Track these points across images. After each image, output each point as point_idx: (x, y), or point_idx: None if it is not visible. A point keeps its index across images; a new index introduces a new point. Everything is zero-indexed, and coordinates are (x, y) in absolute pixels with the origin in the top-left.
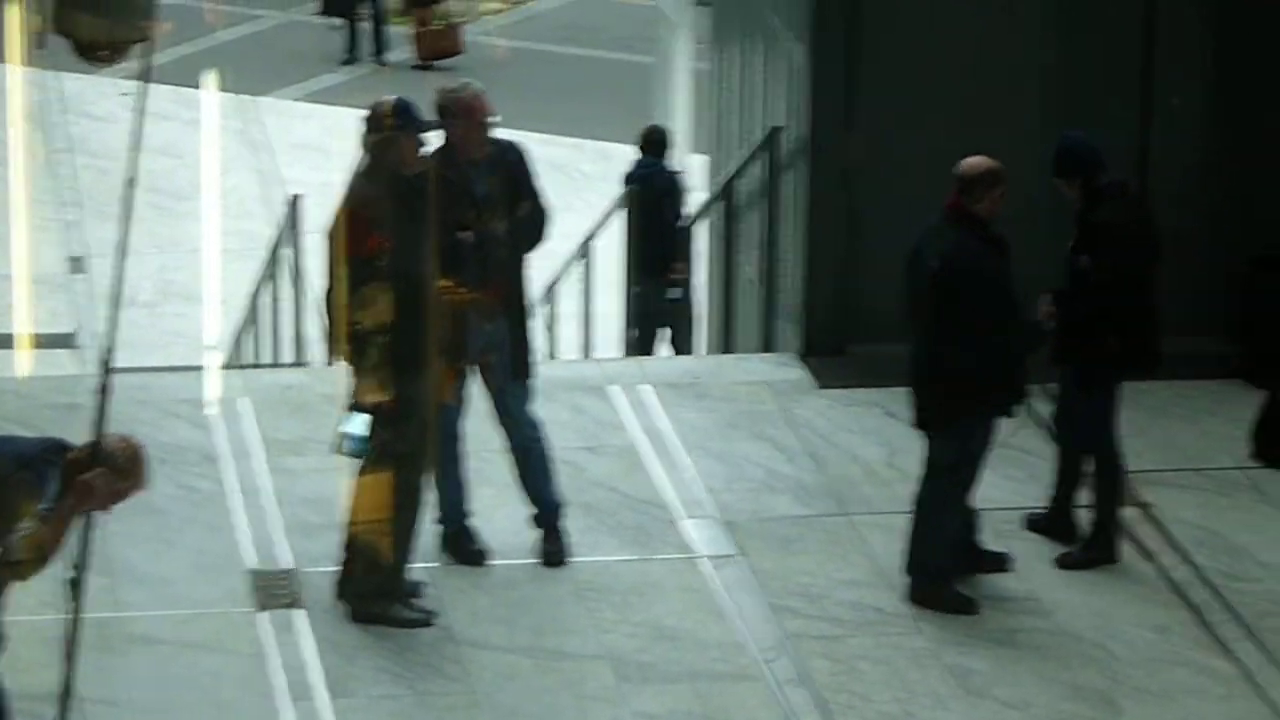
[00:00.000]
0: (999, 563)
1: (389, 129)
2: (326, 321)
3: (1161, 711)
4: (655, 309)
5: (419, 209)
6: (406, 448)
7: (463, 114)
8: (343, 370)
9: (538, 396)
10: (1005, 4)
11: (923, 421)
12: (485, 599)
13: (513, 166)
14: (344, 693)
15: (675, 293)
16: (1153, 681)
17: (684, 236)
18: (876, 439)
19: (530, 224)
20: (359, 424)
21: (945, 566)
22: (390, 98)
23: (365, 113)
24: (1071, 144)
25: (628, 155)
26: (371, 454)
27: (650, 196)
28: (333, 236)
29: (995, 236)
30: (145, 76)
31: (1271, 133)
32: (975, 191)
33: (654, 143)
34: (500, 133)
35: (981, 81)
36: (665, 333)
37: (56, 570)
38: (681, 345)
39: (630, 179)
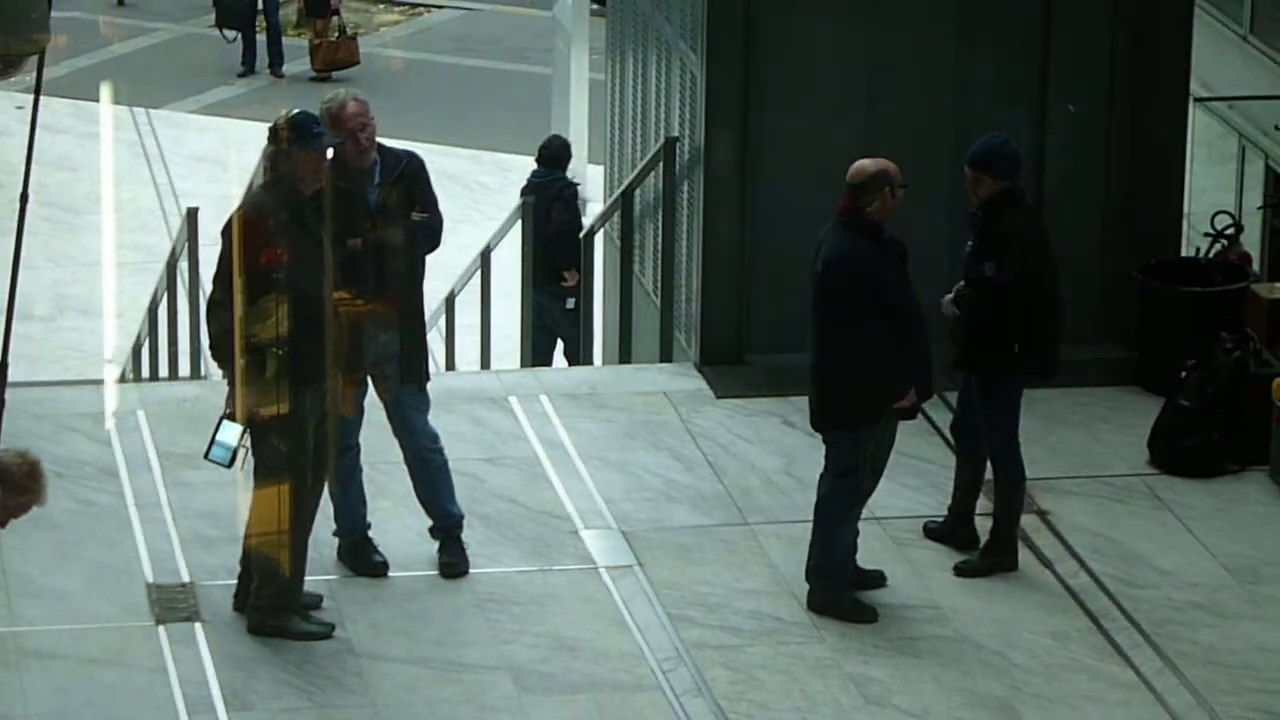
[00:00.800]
0: (877, 580)
1: (286, 143)
2: (211, 330)
3: (1061, 718)
4: (550, 319)
5: (314, 222)
6: (300, 460)
7: (332, 125)
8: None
9: (437, 408)
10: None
11: (815, 424)
12: (385, 611)
13: (408, 176)
14: (243, 706)
15: (570, 302)
16: (1052, 688)
17: (573, 246)
18: (775, 448)
19: (424, 230)
20: (231, 433)
21: (844, 573)
22: (291, 111)
23: (272, 126)
24: (1005, 144)
25: (525, 166)
26: (267, 466)
27: (543, 207)
28: (226, 243)
29: (887, 240)
30: (37, 89)
31: (1163, 141)
32: (865, 193)
33: (549, 154)
34: (396, 143)
35: (878, 89)
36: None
37: None
38: (573, 356)
39: (526, 189)
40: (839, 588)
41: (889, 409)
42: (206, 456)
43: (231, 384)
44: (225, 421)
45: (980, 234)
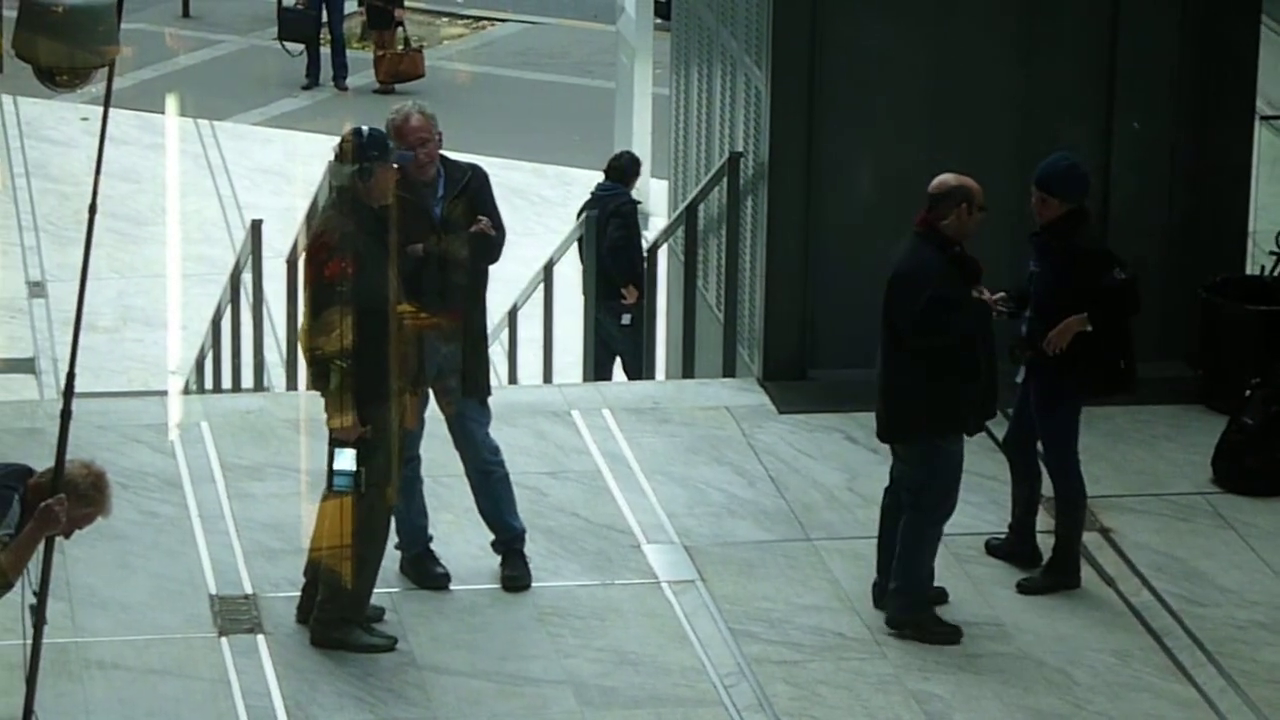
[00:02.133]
0: (939, 597)
1: (367, 160)
2: (304, 351)
3: None
4: (606, 334)
5: (383, 235)
6: (376, 475)
7: (395, 137)
8: (309, 398)
9: (499, 421)
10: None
11: (881, 435)
12: (447, 624)
13: (473, 190)
14: (306, 718)
15: (626, 318)
16: (1114, 707)
17: (627, 262)
18: (837, 464)
19: (486, 242)
20: (348, 459)
21: (925, 591)
22: (363, 128)
23: (339, 143)
24: (1074, 166)
25: (589, 180)
26: (371, 484)
27: (603, 221)
28: (294, 265)
29: (961, 256)
30: (106, 101)
31: (1228, 158)
32: (942, 207)
33: (617, 168)
34: (461, 156)
35: (943, 105)
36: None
37: (17, 595)
38: (632, 371)
39: (589, 203)
40: (921, 606)
41: (960, 424)
42: (331, 488)
43: (338, 408)
44: (338, 449)
45: (1057, 254)
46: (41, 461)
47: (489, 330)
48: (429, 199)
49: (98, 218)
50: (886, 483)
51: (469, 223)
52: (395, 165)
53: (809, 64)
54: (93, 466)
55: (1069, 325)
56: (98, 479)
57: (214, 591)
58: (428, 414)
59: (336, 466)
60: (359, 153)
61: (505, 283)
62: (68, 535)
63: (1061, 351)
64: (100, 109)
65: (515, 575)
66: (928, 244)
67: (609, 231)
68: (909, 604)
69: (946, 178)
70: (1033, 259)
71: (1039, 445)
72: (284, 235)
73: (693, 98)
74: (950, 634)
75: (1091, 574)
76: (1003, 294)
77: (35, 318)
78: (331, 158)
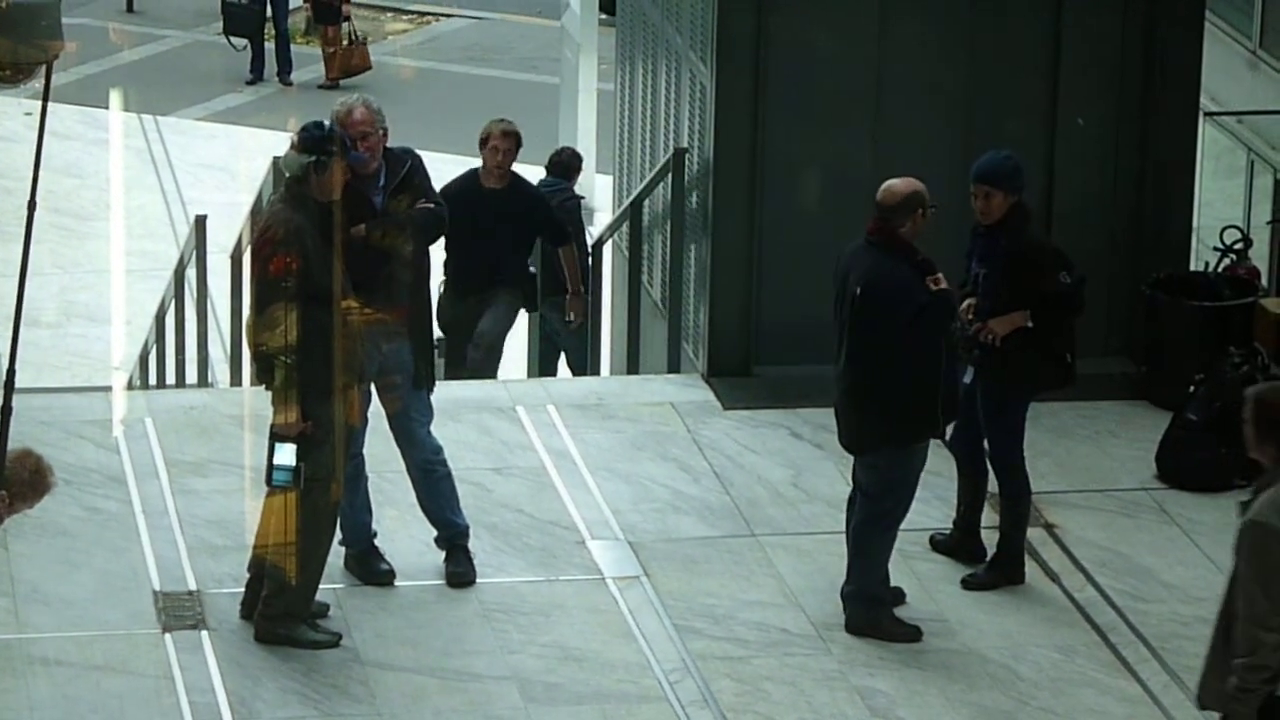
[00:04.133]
0: (896, 597)
1: (325, 154)
2: (249, 347)
3: None
4: (551, 330)
5: (328, 231)
6: (319, 471)
7: (341, 128)
8: (254, 394)
9: (444, 417)
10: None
11: (847, 445)
12: (391, 620)
13: (406, 173)
14: (249, 714)
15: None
16: (1058, 702)
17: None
18: (782, 460)
19: (431, 217)
20: (288, 454)
21: (882, 594)
22: (325, 121)
23: (293, 137)
24: (1010, 158)
25: (534, 175)
26: (315, 479)
27: None
28: (238, 260)
29: (922, 261)
30: (45, 96)
31: (1172, 154)
32: (897, 215)
33: (559, 164)
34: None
35: (888, 101)
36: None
37: None
38: (577, 368)
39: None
40: (878, 608)
41: (932, 427)
42: (270, 483)
43: (282, 403)
44: (278, 444)
45: (1007, 253)
46: None
47: (434, 325)
48: (370, 189)
49: (41, 213)
50: (831, 478)
51: (409, 208)
52: (350, 165)
53: (754, 60)
54: (26, 457)
55: (1012, 318)
56: (36, 465)
57: (158, 587)
58: (370, 410)
59: (276, 461)
60: (317, 145)
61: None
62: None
63: (999, 342)
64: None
65: (459, 571)
66: (890, 254)
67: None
68: (866, 606)
69: (895, 185)
70: (974, 257)
71: (985, 443)
72: (228, 231)
73: (637, 93)
74: (911, 633)
75: (1036, 570)
76: (970, 301)
77: None
78: (286, 149)
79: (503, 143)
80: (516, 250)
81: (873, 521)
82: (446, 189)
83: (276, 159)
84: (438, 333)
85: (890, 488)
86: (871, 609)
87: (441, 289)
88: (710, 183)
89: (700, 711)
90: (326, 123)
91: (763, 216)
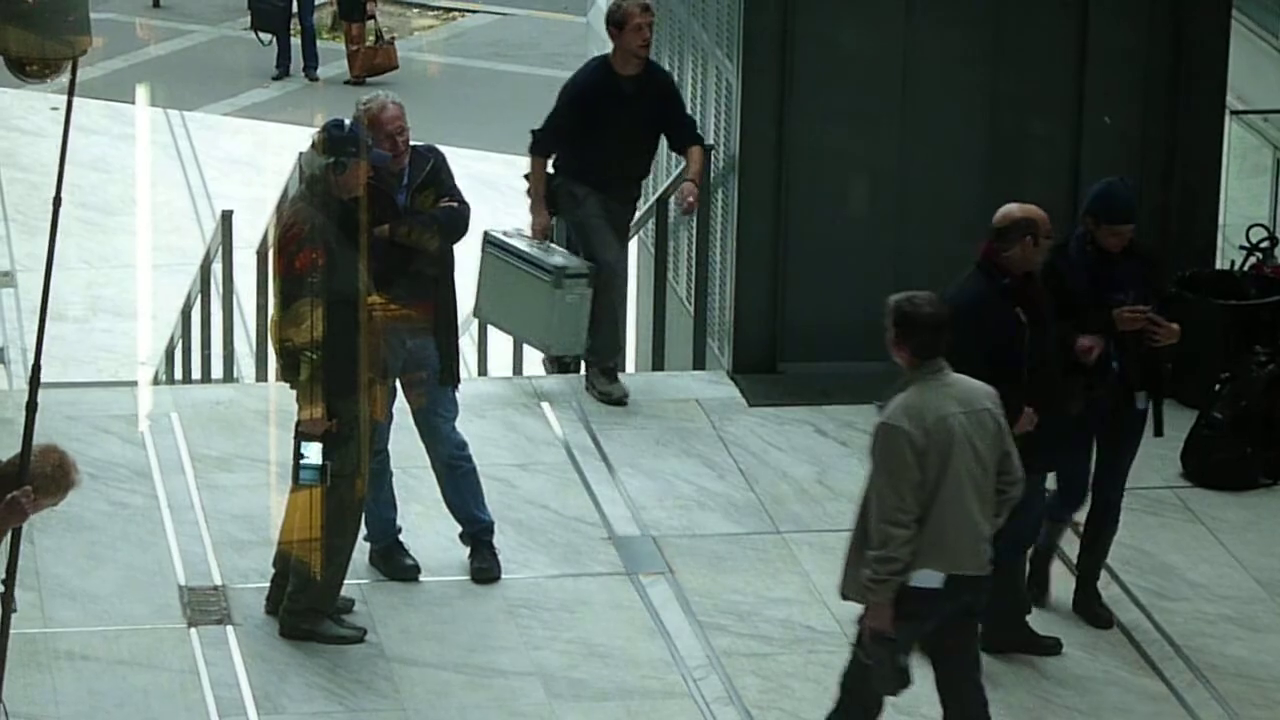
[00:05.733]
0: (1051, 647)
1: (345, 155)
2: (274, 343)
3: None
4: None
5: (352, 227)
6: (345, 467)
7: (370, 126)
8: (279, 390)
9: (468, 413)
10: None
11: None
12: (416, 616)
13: (430, 170)
14: (274, 709)
15: None
16: (1082, 700)
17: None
18: (807, 457)
19: (454, 216)
20: (314, 453)
21: (1014, 609)
22: (343, 120)
23: (314, 136)
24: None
25: None
26: (341, 475)
27: None
28: (264, 256)
29: (1017, 287)
30: (70, 91)
31: (1198, 153)
32: (1005, 239)
33: None
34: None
35: (914, 99)
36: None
37: None
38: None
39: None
40: (1008, 623)
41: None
42: (296, 482)
43: (307, 399)
44: (305, 443)
45: (1153, 273)
46: (11, 451)
47: (459, 321)
48: (395, 188)
49: (68, 208)
50: (856, 475)
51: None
52: (373, 164)
53: (780, 57)
54: (50, 451)
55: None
56: (60, 460)
57: (183, 582)
58: (396, 406)
59: (303, 461)
60: (336, 146)
61: (475, 274)
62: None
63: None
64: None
65: (484, 567)
66: (982, 274)
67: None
68: (1000, 625)
69: (1011, 209)
70: (1112, 289)
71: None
72: (254, 226)
73: None
74: (1051, 645)
75: (1060, 567)
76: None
77: (5, 307)
78: (307, 147)
79: (646, 19)
80: (650, 150)
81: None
82: (574, 81)
83: (302, 154)
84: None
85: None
86: (1000, 624)
87: (571, 196)
88: (735, 179)
89: (725, 708)
90: (347, 122)
91: (788, 213)
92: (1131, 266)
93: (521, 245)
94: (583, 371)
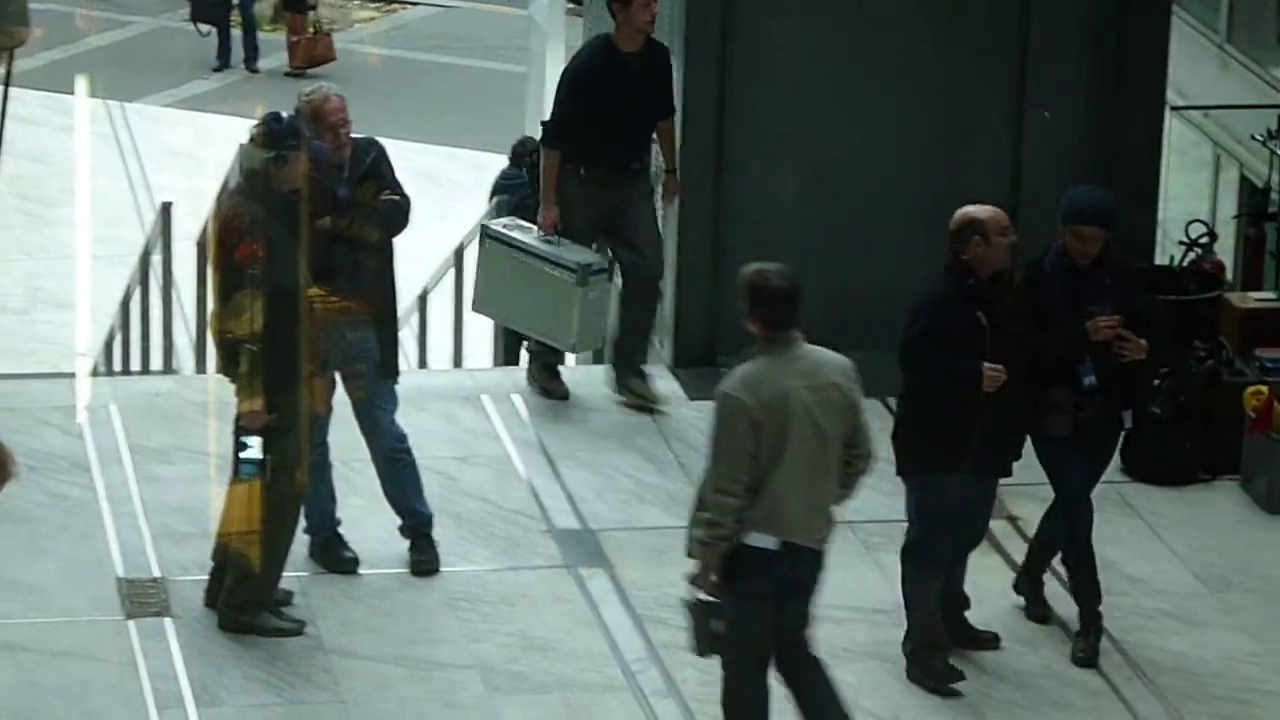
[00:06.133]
0: (989, 642)
1: (285, 149)
2: (214, 335)
3: None
4: None
5: (292, 219)
6: (285, 461)
7: (313, 117)
8: (218, 381)
9: (409, 405)
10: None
11: (897, 469)
12: (355, 608)
13: (370, 163)
14: (213, 701)
15: None
16: (1021, 695)
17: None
18: None
19: (395, 209)
20: (255, 448)
21: (932, 634)
22: (281, 113)
23: (252, 130)
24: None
25: (500, 164)
26: (281, 469)
27: (510, 208)
28: (203, 248)
29: (981, 290)
30: (8, 81)
31: (1138, 149)
32: (957, 243)
33: (523, 154)
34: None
35: (853, 95)
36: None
37: None
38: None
39: (496, 189)
40: (928, 649)
41: (953, 466)
42: (237, 475)
43: (247, 392)
44: (245, 439)
45: (1131, 284)
46: None
47: (399, 314)
48: (336, 180)
49: (7, 199)
50: None
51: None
52: (312, 156)
53: (719, 51)
54: None
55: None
56: None
57: (122, 574)
58: (335, 398)
59: (243, 455)
60: (277, 140)
61: (416, 266)
62: None
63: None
64: (11, 89)
65: (424, 560)
66: (945, 275)
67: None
68: (920, 643)
69: (963, 211)
70: (1087, 301)
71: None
72: (194, 218)
73: None
74: (953, 677)
75: (999, 562)
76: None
77: None
78: (246, 140)
79: None
80: (653, 128)
81: (910, 551)
82: (577, 64)
83: (242, 146)
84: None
85: (926, 522)
86: (920, 646)
87: (574, 180)
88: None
89: (663, 701)
90: (285, 115)
91: (728, 207)
92: (1108, 280)
93: (528, 239)
94: (524, 364)
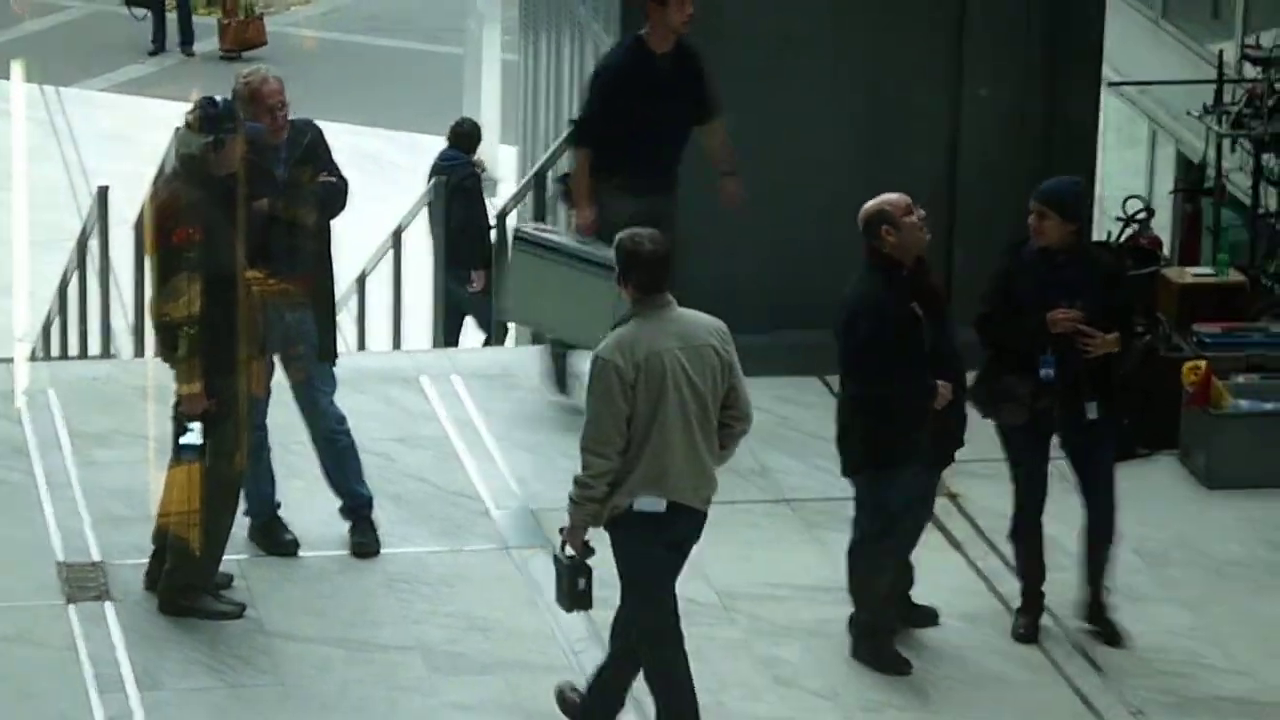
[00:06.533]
0: (929, 618)
1: (222, 132)
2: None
3: (970, 700)
4: (457, 299)
5: (229, 202)
6: (224, 445)
7: (251, 99)
8: (157, 365)
9: (347, 387)
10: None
11: (844, 469)
12: (296, 590)
13: (308, 145)
14: (154, 685)
15: (474, 285)
16: (961, 671)
17: (474, 243)
18: None
19: (333, 191)
20: (195, 434)
21: (879, 624)
22: (215, 97)
23: (188, 115)
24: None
25: (438, 146)
26: (221, 454)
27: (449, 189)
28: (141, 231)
29: (912, 277)
30: None
31: (1076, 125)
32: (870, 237)
33: (463, 135)
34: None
35: (791, 73)
36: (469, 321)
37: None
38: (484, 327)
39: (434, 170)
40: (878, 636)
41: (905, 459)
42: (178, 459)
43: (186, 375)
44: (185, 424)
45: (1112, 280)
46: None
47: (337, 297)
48: (273, 162)
49: None
50: (741, 451)
51: (311, 180)
52: (248, 138)
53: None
54: None
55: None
56: None
57: (61, 559)
58: (275, 381)
59: (183, 441)
60: (213, 124)
61: (354, 249)
62: None
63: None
64: None
65: (364, 542)
66: (871, 268)
67: (454, 211)
68: (868, 633)
69: (864, 207)
70: (1057, 293)
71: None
72: (131, 202)
73: (541, 64)
74: (903, 665)
75: (939, 538)
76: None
77: None
78: (180, 125)
79: None
80: (687, 131)
81: (861, 547)
82: (609, 67)
83: (178, 131)
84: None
85: (874, 516)
86: (869, 636)
87: (601, 181)
88: None
89: None
90: (218, 99)
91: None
92: (1084, 273)
93: (568, 241)
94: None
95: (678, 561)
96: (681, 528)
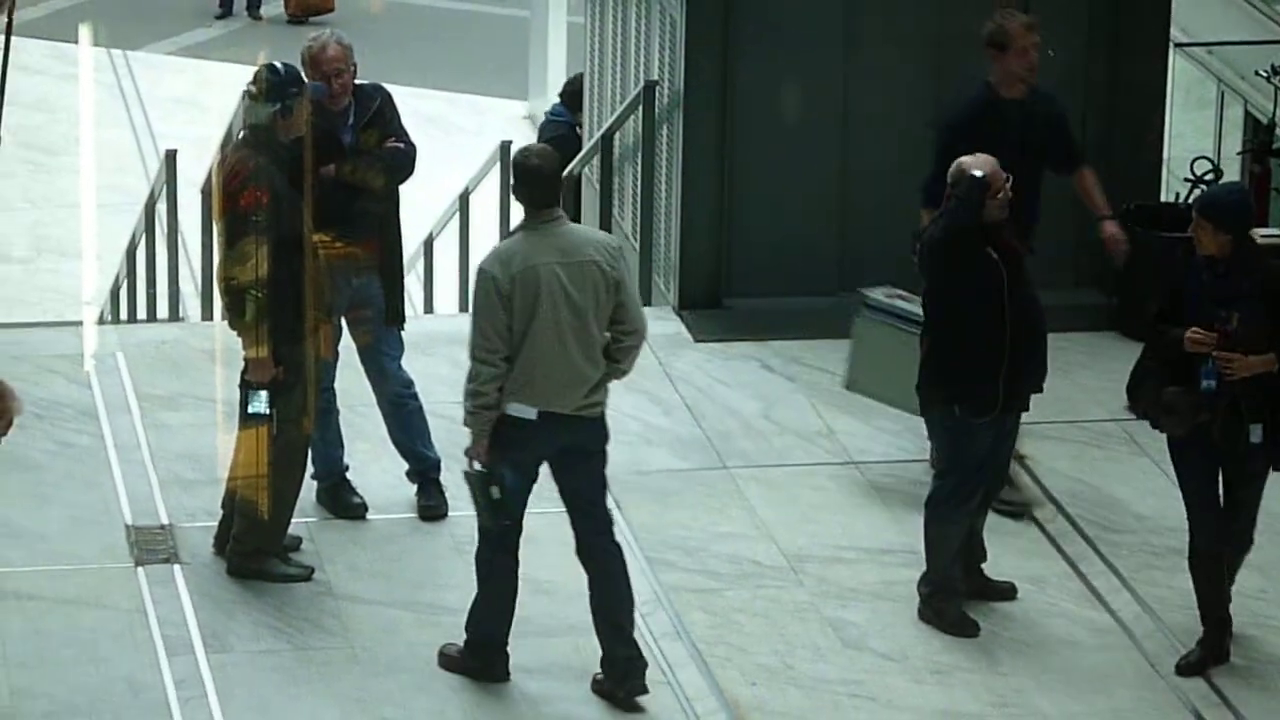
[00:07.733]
0: (1006, 593)
1: (286, 99)
2: (219, 282)
3: (1037, 663)
4: None
5: (297, 166)
6: (292, 411)
7: (311, 66)
8: (224, 329)
9: (415, 351)
10: None
11: (921, 407)
12: (363, 553)
13: (376, 109)
14: (222, 647)
15: None
16: (1029, 633)
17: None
18: (753, 392)
19: (400, 156)
20: (261, 401)
21: (948, 582)
22: (278, 64)
23: (253, 80)
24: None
25: (503, 109)
26: (288, 419)
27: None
28: (208, 195)
29: (990, 229)
30: (9, 30)
31: (1143, 86)
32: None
33: (574, 94)
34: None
35: (857, 36)
36: None
37: None
38: None
39: (543, 127)
40: (946, 596)
41: (992, 404)
42: (245, 426)
43: (253, 340)
44: (252, 392)
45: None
46: None
47: (404, 260)
48: (340, 127)
49: (11, 148)
50: (802, 410)
51: (379, 144)
52: (313, 101)
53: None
54: None
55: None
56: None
57: (130, 522)
58: (341, 344)
59: (250, 409)
60: (277, 91)
61: (421, 212)
62: None
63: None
64: (14, 39)
65: (431, 504)
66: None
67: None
68: (935, 592)
69: (956, 163)
70: (1217, 300)
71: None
72: (198, 165)
73: (608, 26)
74: (970, 627)
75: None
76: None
77: None
78: (245, 93)
79: (1031, 39)
80: (1039, 185)
81: (935, 496)
82: (956, 116)
83: (246, 92)
84: None
85: (950, 466)
86: (936, 595)
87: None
88: (680, 116)
89: (672, 644)
90: (279, 65)
91: (733, 149)
92: (1244, 284)
93: (914, 308)
94: None
95: (572, 471)
96: (557, 435)
